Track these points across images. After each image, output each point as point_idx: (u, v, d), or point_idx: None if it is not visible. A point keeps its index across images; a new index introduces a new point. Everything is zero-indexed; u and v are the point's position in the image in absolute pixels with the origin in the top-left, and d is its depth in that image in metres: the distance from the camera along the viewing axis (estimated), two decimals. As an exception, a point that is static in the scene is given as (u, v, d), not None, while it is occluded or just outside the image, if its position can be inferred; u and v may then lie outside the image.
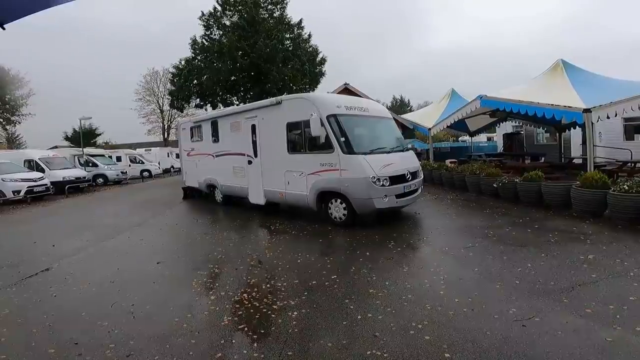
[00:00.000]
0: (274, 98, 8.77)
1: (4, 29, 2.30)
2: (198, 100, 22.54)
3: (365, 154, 7.06)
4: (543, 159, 15.89)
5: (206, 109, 22.26)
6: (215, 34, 22.06)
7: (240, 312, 3.82)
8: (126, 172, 23.54)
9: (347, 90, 19.92)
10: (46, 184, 15.38)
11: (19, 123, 39.03)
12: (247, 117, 9.35)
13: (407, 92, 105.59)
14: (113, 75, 71.08)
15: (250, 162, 9.30)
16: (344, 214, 7.29)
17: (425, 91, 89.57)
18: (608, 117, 8.20)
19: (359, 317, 3.54)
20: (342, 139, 7.12)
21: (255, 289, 4.42)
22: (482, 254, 5.23)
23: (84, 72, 71.74)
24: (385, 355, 2.89)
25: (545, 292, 3.84)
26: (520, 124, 17.80)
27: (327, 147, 7.23)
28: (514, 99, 9.57)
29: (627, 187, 6.35)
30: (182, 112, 27.37)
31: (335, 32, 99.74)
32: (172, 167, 29.84)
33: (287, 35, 22.20)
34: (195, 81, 21.48)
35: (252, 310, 3.83)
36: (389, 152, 7.65)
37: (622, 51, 75.26)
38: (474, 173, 10.51)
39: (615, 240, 5.44)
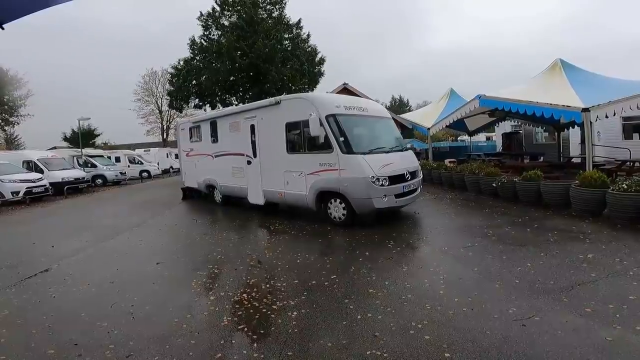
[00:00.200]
0: (272, 98, 8.77)
1: (3, 29, 2.28)
2: (197, 100, 22.53)
3: (364, 153, 7.06)
4: (542, 158, 15.91)
5: (205, 109, 22.25)
6: (213, 34, 22.05)
7: (240, 313, 3.81)
8: (125, 172, 23.49)
9: (346, 90, 19.91)
10: (45, 185, 15.34)
11: (18, 124, 38.96)
12: (246, 117, 9.35)
13: (407, 92, 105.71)
14: (113, 75, 71.15)
15: (249, 162, 9.29)
16: (343, 214, 7.29)
17: (425, 91, 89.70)
18: (607, 117, 8.21)
19: (359, 316, 3.54)
20: (341, 139, 7.12)
21: (255, 289, 4.41)
22: (482, 253, 5.24)
23: (84, 72, 71.76)
24: (385, 355, 2.89)
25: (544, 291, 3.84)
26: (519, 123, 17.80)
27: (326, 147, 7.23)
28: (512, 99, 9.59)
29: (626, 186, 6.35)
30: (181, 112, 27.40)
31: (334, 32, 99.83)
32: (171, 167, 29.81)
33: (286, 36, 22.20)
34: (194, 81, 21.47)
35: (251, 311, 3.83)
36: (388, 152, 7.65)
37: (621, 51, 75.51)
38: (473, 172, 10.51)
39: (615, 240, 5.44)
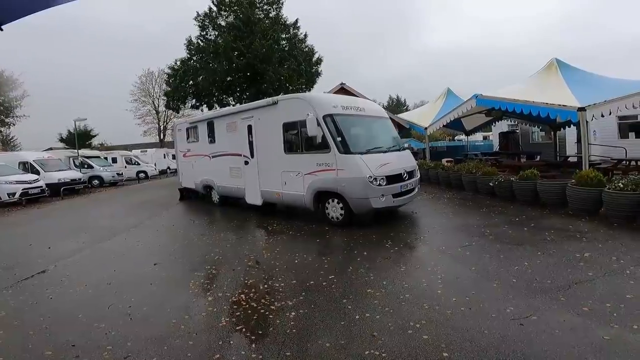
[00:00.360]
0: (270, 98, 8.77)
1: (1, 29, 2.26)
2: (194, 100, 22.45)
3: (361, 153, 7.07)
4: (539, 157, 15.97)
5: (202, 110, 22.19)
6: (210, 35, 21.97)
7: (238, 313, 3.81)
8: (122, 173, 23.44)
9: (343, 90, 19.93)
10: (41, 186, 15.27)
11: (14, 125, 38.69)
12: (243, 118, 9.33)
13: (407, 92, 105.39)
14: (113, 75, 70.95)
15: (246, 163, 9.28)
16: (341, 214, 7.29)
17: (424, 91, 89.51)
18: (602, 116, 8.24)
19: (357, 317, 3.54)
20: (339, 139, 7.12)
21: (253, 290, 4.41)
22: (479, 252, 5.25)
23: (83, 72, 71.41)
24: (383, 355, 2.89)
25: (542, 290, 3.86)
26: (516, 122, 17.86)
27: (323, 147, 7.23)
28: (509, 98, 9.62)
29: (622, 185, 6.38)
30: (177, 112, 27.31)
31: (334, 33, 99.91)
32: (169, 168, 29.77)
33: (283, 36, 22.15)
34: (191, 82, 21.39)
35: (250, 311, 3.82)
36: (385, 152, 7.65)
37: (621, 51, 75.64)
38: (470, 172, 10.54)
39: (611, 238, 5.47)
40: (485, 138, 31.44)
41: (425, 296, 3.91)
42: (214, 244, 6.72)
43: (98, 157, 24.51)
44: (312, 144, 7.42)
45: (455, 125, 16.12)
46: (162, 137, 47.58)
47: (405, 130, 19.45)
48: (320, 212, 7.67)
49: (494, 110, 12.13)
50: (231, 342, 3.27)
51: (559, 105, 8.41)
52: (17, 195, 14.15)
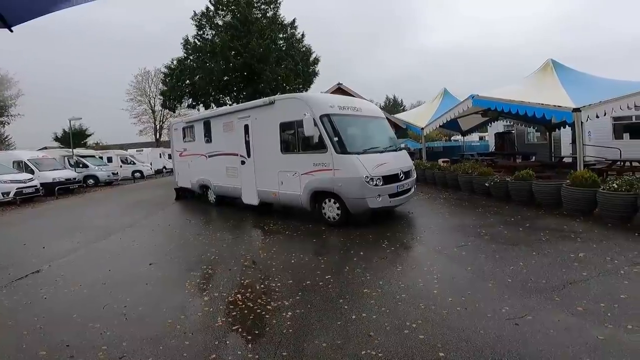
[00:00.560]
0: (267, 98, 8.75)
1: (11, 31, 2.25)
2: (190, 100, 22.34)
3: (358, 153, 7.07)
4: (534, 158, 16.04)
5: (199, 109, 22.10)
6: (207, 34, 21.89)
7: (235, 313, 3.80)
8: (117, 173, 23.29)
9: (340, 90, 19.95)
10: (36, 186, 15.15)
11: (8, 124, 38.46)
12: (240, 117, 9.32)
13: (404, 92, 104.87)
14: (112, 76, 70.62)
15: (243, 163, 9.26)
16: (337, 214, 7.29)
17: (423, 91, 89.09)
18: (597, 117, 8.30)
19: (354, 316, 3.55)
20: (335, 139, 7.12)
21: (249, 290, 4.40)
22: (475, 252, 5.27)
23: (83, 73, 71.12)
24: (380, 354, 2.90)
25: (537, 290, 3.88)
26: (512, 123, 17.95)
27: (320, 147, 7.23)
28: (505, 99, 9.66)
29: (616, 186, 6.43)
30: (174, 112, 27.17)
31: (333, 32, 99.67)
32: (165, 167, 29.62)
33: (281, 35, 22.12)
34: (188, 81, 21.30)
35: (246, 311, 3.82)
36: (382, 152, 7.67)
37: (621, 51, 75.93)
38: (466, 172, 10.58)
39: (605, 239, 5.51)
40: (481, 138, 31.51)
41: (421, 296, 3.92)
42: (210, 244, 6.70)
43: (93, 156, 24.34)
44: (308, 143, 7.42)
45: (452, 125, 16.18)
46: (158, 136, 47.43)
47: (401, 131, 19.49)
48: (317, 212, 7.67)
49: (490, 111, 12.19)
50: (227, 342, 3.26)
51: (554, 106, 8.46)
52: (11, 195, 14.03)
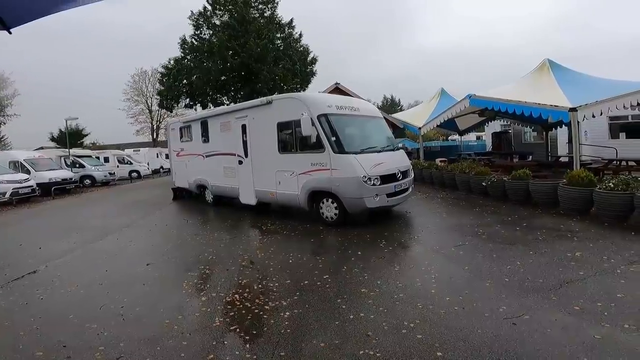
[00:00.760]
0: (264, 98, 8.75)
1: (10, 33, 2.24)
2: (187, 100, 22.33)
3: (356, 153, 7.08)
4: (531, 157, 16.09)
5: (196, 109, 22.07)
6: (205, 34, 21.87)
7: (232, 313, 3.79)
8: (114, 173, 23.20)
9: (338, 89, 19.89)
10: (32, 186, 15.07)
11: (4, 124, 38.26)
12: (237, 117, 9.30)
13: (402, 92, 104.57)
14: (113, 76, 70.50)
15: (240, 162, 9.24)
16: (335, 214, 7.29)
17: (422, 91, 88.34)
18: (593, 116, 8.34)
19: (351, 316, 3.55)
20: (333, 139, 7.12)
21: (247, 290, 4.39)
22: (472, 252, 5.29)
23: (85, 73, 70.45)
24: (377, 354, 2.90)
25: (534, 289, 3.89)
26: (509, 123, 17.99)
27: (318, 146, 7.23)
28: (502, 98, 9.69)
29: (612, 185, 6.47)
30: (171, 112, 27.15)
31: (333, 32, 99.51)
32: (162, 167, 29.51)
33: (278, 35, 22.11)
34: (185, 81, 21.29)
35: (244, 311, 3.81)
36: (379, 152, 7.67)
37: (621, 51, 75.95)
38: (464, 172, 10.60)
39: (602, 238, 5.53)
40: (478, 138, 31.60)
41: (419, 296, 3.93)
42: (208, 244, 6.68)
43: (90, 156, 24.23)
44: (306, 143, 7.41)
45: (449, 125, 16.20)
46: (155, 136, 47.24)
47: (399, 130, 19.47)
48: (315, 212, 7.67)
49: (487, 111, 12.20)
50: (225, 342, 3.25)
51: (551, 105, 8.48)
52: (7, 195, 13.95)
